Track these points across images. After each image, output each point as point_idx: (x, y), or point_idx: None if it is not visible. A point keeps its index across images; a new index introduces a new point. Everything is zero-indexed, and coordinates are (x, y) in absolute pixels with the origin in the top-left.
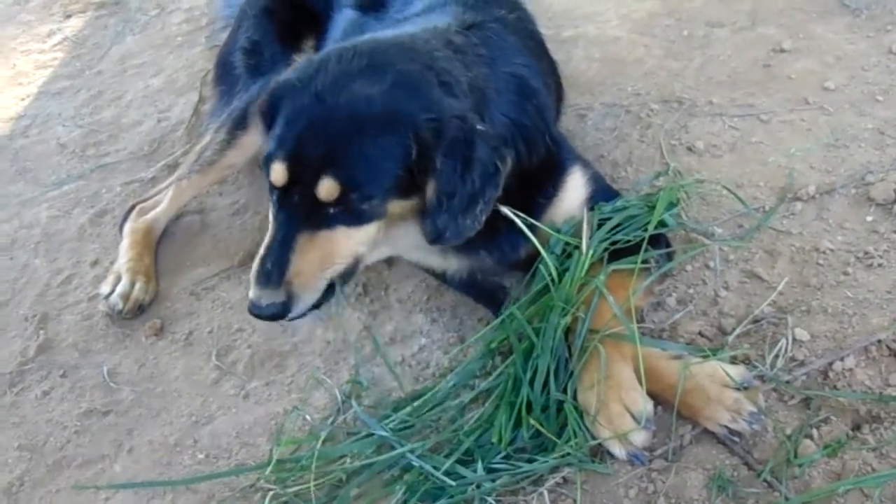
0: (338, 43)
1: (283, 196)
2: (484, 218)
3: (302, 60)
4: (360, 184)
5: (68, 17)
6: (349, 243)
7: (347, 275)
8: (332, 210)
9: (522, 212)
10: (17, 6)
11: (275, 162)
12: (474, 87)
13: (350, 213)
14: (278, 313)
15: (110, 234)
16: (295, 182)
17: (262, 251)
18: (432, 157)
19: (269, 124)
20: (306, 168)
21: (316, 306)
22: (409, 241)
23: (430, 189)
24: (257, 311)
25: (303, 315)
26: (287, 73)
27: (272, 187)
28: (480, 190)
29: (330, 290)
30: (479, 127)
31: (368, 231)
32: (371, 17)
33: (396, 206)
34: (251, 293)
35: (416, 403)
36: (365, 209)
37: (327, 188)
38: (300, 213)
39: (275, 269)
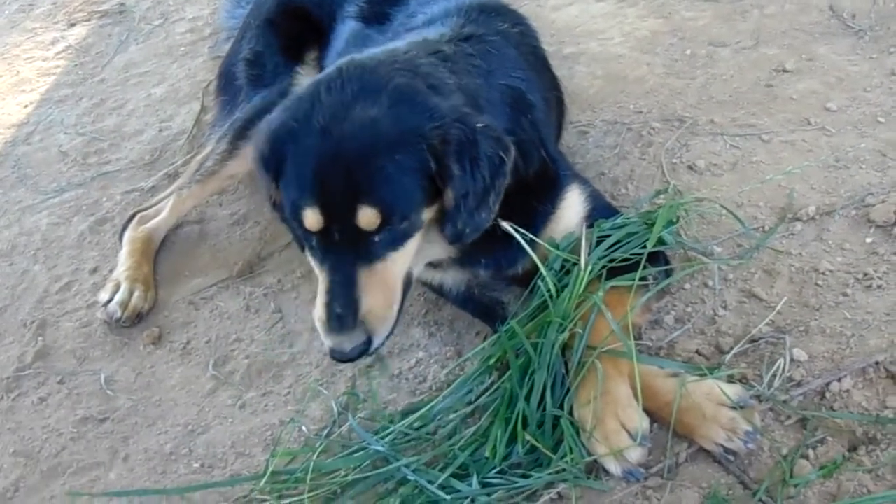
0: (340, 55)
1: (323, 239)
2: (497, 207)
3: (287, 100)
4: (395, 205)
5: (72, 25)
6: (401, 265)
7: (405, 294)
8: (376, 238)
9: (521, 227)
10: (21, 14)
11: (305, 209)
12: (464, 91)
13: (393, 235)
14: (363, 351)
15: (110, 242)
16: (331, 222)
17: (322, 297)
18: (447, 163)
19: (275, 173)
20: (339, 205)
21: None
22: (425, 247)
23: (449, 193)
24: (342, 357)
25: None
26: (278, 116)
27: (306, 233)
28: (491, 183)
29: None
30: (478, 124)
31: (412, 247)
32: (374, 30)
33: (426, 214)
34: (330, 342)
35: (412, 417)
36: (405, 228)
37: (368, 217)
38: (348, 251)
39: (347, 312)
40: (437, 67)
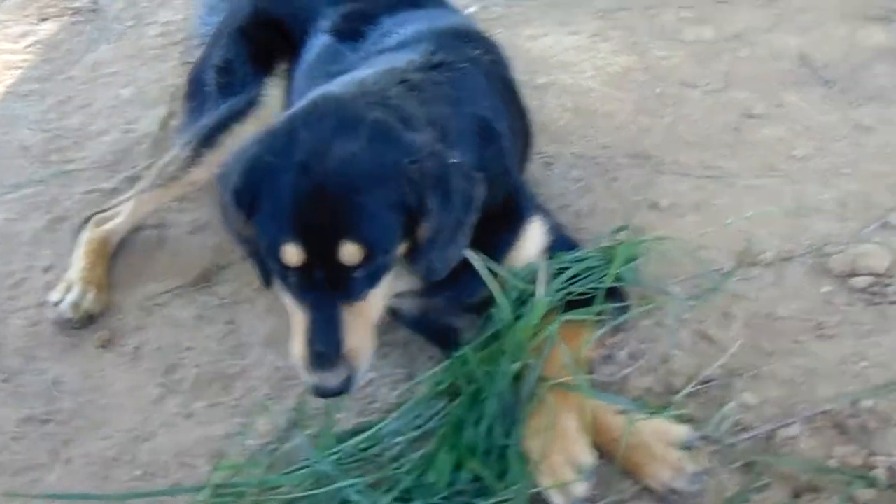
0: (311, 69)
1: (302, 275)
2: (466, 243)
3: (261, 133)
4: (378, 240)
5: (44, 20)
6: (379, 300)
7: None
8: (356, 274)
9: (482, 255)
10: None
11: (286, 245)
12: (432, 122)
13: (372, 271)
14: (346, 387)
15: (66, 241)
16: (313, 258)
17: (302, 334)
18: (425, 197)
19: (249, 208)
20: (321, 241)
21: None
22: (394, 281)
23: (424, 228)
24: (326, 394)
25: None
26: (252, 149)
27: (284, 269)
28: (463, 219)
29: None
30: (450, 160)
31: (387, 282)
32: (347, 47)
33: (401, 250)
34: (311, 379)
35: (359, 437)
36: (384, 263)
37: (351, 253)
38: (329, 287)
39: (331, 350)
40: (405, 98)
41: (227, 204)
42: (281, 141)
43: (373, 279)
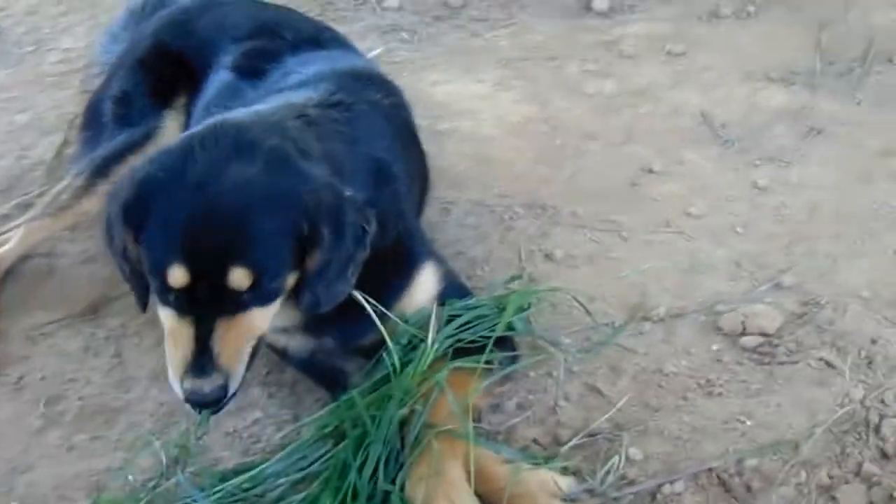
0: (210, 105)
1: (186, 295)
2: (354, 279)
3: (156, 152)
4: (267, 266)
5: None
6: (261, 321)
7: (255, 355)
8: (244, 296)
9: (373, 299)
10: None
11: (171, 266)
12: (328, 157)
13: (261, 294)
14: (221, 395)
15: None
16: (198, 280)
17: (178, 347)
18: (318, 227)
19: (137, 226)
20: (209, 264)
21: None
22: (277, 312)
23: (314, 259)
24: (200, 399)
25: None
26: (146, 167)
27: (165, 288)
28: (353, 254)
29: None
30: (346, 193)
31: (274, 307)
32: (247, 84)
33: (291, 279)
34: (186, 385)
35: (242, 477)
36: (274, 288)
37: (239, 278)
38: (212, 306)
39: (204, 359)
40: (303, 132)
41: (114, 220)
42: (176, 160)
43: (259, 301)
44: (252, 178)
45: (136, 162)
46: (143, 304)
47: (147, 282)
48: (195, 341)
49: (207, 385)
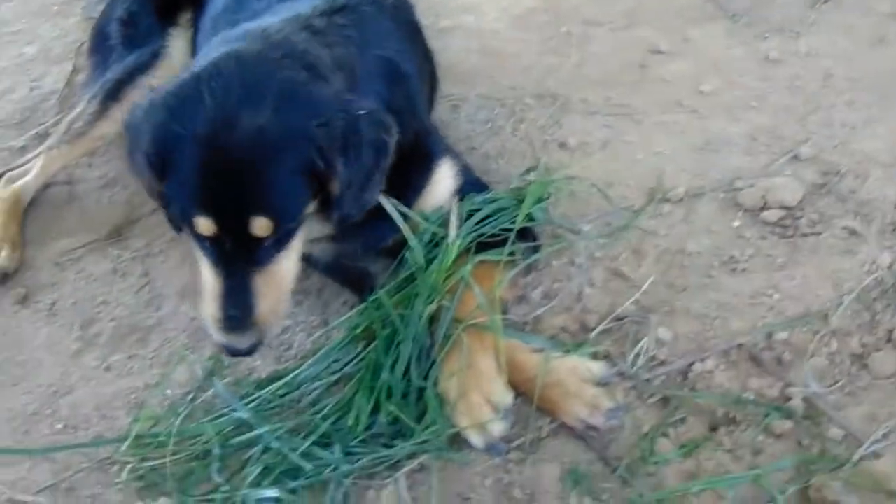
0: (215, 20)
1: (215, 243)
2: (381, 187)
3: (167, 93)
4: (286, 210)
5: None
6: (291, 262)
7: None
8: (268, 241)
9: (393, 199)
10: None
11: (198, 217)
12: (341, 64)
13: (283, 236)
14: (255, 349)
15: None
16: (224, 230)
17: (215, 298)
18: (332, 160)
19: (160, 172)
20: (231, 215)
21: None
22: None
23: (335, 185)
24: (236, 353)
25: None
26: (159, 114)
27: (198, 236)
28: (375, 165)
29: None
30: (360, 111)
31: (299, 241)
32: None
33: (311, 208)
34: (223, 339)
35: (276, 384)
36: (293, 227)
37: (261, 226)
38: (240, 255)
39: (242, 314)
40: (310, 44)
41: (139, 161)
42: (188, 108)
43: (284, 241)
44: (262, 127)
45: (147, 86)
46: (178, 229)
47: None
48: (231, 295)
49: (243, 341)
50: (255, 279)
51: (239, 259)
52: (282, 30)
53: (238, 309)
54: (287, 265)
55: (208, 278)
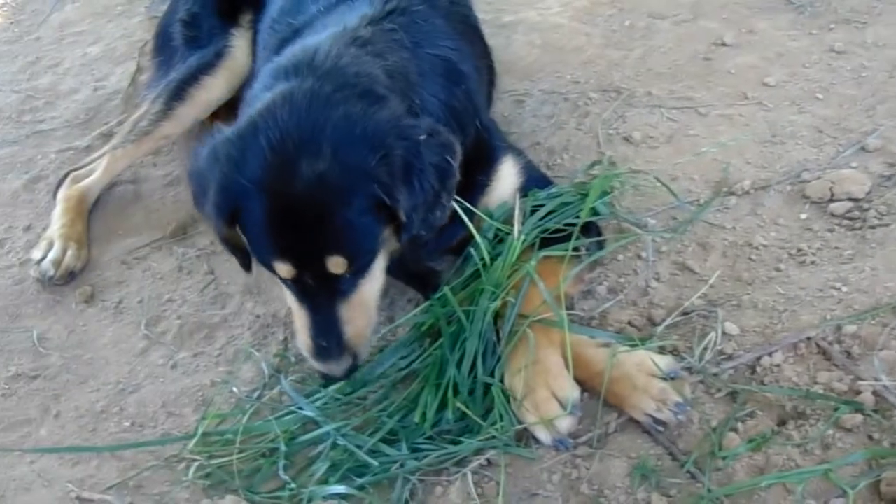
0: (275, 21)
1: (297, 282)
2: (450, 204)
3: (229, 144)
4: (359, 247)
5: None
6: (374, 288)
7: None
8: (347, 276)
9: (457, 197)
10: None
11: (276, 263)
12: (394, 73)
13: (361, 268)
14: (352, 372)
15: (44, 200)
16: (303, 271)
17: (304, 329)
18: (394, 191)
19: (231, 219)
20: (307, 258)
21: None
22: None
23: (401, 213)
24: (334, 378)
25: None
26: (224, 168)
27: (279, 277)
28: (441, 187)
29: None
30: (420, 137)
31: (379, 268)
32: None
33: (385, 235)
34: (321, 368)
35: (342, 382)
36: (369, 258)
37: (336, 265)
38: (323, 289)
39: (333, 343)
40: (360, 60)
41: (208, 211)
42: (249, 158)
43: (363, 271)
44: (322, 172)
45: (211, 86)
46: (247, 267)
47: (248, 252)
48: (319, 327)
49: (338, 368)
50: (340, 309)
51: (322, 293)
52: (329, 52)
53: (328, 339)
54: (369, 290)
55: (296, 312)
